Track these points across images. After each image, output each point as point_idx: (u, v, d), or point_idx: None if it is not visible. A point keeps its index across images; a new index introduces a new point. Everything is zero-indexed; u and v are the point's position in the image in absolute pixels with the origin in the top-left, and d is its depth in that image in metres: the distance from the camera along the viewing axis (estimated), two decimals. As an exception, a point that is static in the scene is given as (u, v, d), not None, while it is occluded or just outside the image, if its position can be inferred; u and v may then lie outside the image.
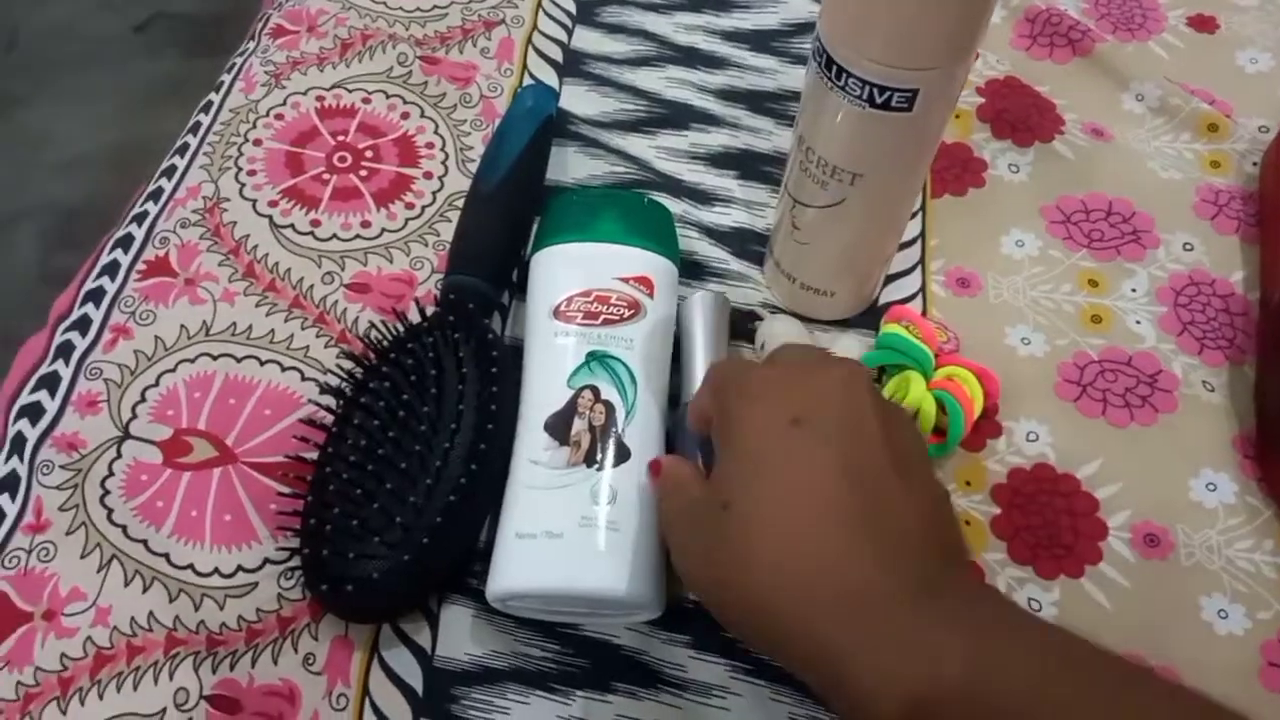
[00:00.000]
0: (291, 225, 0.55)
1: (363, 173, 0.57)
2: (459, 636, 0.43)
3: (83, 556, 0.44)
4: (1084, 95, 0.61)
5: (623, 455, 0.43)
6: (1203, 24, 0.64)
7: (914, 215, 0.56)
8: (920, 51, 0.38)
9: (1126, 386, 0.50)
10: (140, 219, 0.55)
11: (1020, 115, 0.60)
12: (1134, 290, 0.53)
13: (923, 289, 0.53)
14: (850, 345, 0.51)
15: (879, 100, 0.40)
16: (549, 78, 0.61)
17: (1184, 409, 0.49)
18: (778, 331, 0.50)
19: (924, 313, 0.52)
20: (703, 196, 0.57)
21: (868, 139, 0.42)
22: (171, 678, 0.42)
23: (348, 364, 0.46)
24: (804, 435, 0.35)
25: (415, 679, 0.42)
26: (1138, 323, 0.52)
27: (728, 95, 0.61)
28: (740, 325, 0.52)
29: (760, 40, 0.64)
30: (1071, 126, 0.59)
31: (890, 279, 0.53)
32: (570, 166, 0.57)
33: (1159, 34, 0.64)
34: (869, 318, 0.52)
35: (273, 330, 0.51)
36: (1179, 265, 0.54)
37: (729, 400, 0.38)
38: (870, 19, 0.38)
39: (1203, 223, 0.56)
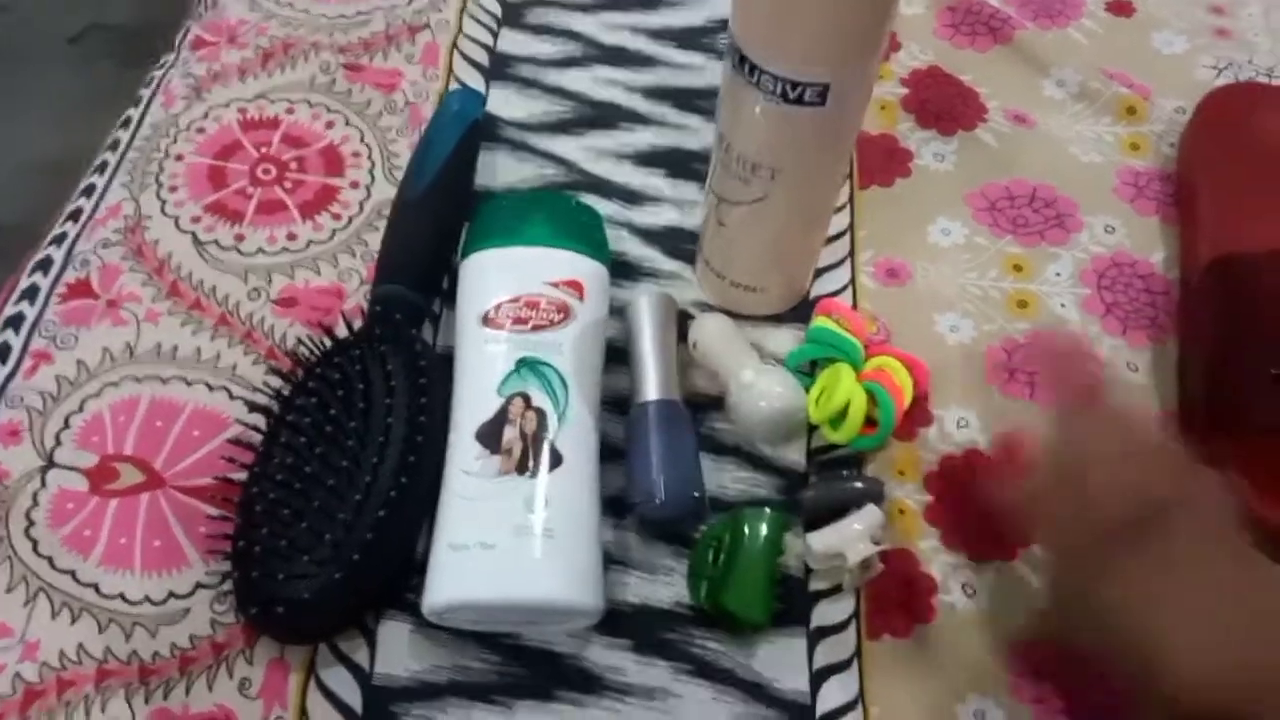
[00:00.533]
0: (215, 241, 0.54)
1: (287, 185, 0.56)
2: (397, 652, 0.43)
3: (8, 590, 0.43)
4: (1006, 83, 0.61)
5: (556, 461, 0.43)
6: (1120, 8, 0.65)
7: (842, 208, 0.56)
8: (831, 47, 0.39)
9: (1054, 370, 0.51)
10: (59, 240, 0.54)
11: (944, 105, 0.60)
12: (1058, 274, 0.54)
13: (852, 281, 0.54)
14: (782, 339, 0.51)
15: (792, 96, 0.40)
16: (475, 82, 0.61)
17: (1109, 389, 0.50)
18: (709, 329, 0.50)
19: (854, 305, 0.53)
20: (632, 196, 0.57)
21: (784, 134, 0.42)
22: (104, 710, 0.41)
23: (275, 381, 0.46)
24: None
25: (354, 698, 0.42)
26: (1062, 306, 0.53)
27: (655, 93, 0.61)
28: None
29: (687, 37, 0.64)
30: (994, 114, 0.60)
31: (820, 272, 0.54)
32: (499, 171, 0.57)
33: (1078, 20, 0.65)
34: (801, 312, 0.53)
35: (199, 349, 0.50)
36: (1101, 248, 0.55)
37: None
38: (781, 17, 0.39)
39: (1124, 205, 0.56)
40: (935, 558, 0.46)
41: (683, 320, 0.51)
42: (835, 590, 0.45)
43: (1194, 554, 0.31)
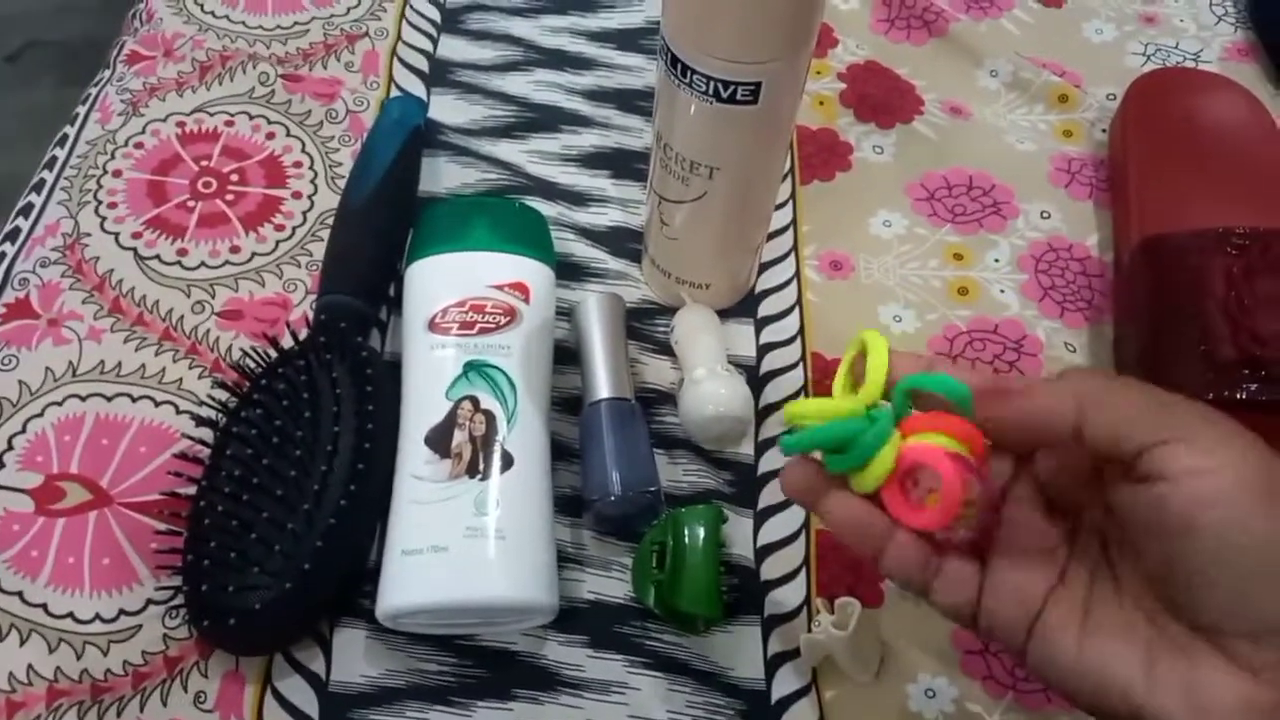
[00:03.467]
0: (157, 256, 0.53)
1: (229, 197, 0.56)
2: (353, 659, 0.43)
3: (-45, 615, 0.43)
4: (942, 75, 0.63)
5: (507, 463, 0.43)
6: (1050, -1, 0.67)
7: (784, 203, 0.57)
8: (759, 45, 0.39)
9: (994, 354, 0.52)
10: (-3, 261, 0.53)
11: (882, 98, 0.61)
12: (997, 260, 0.55)
13: (797, 274, 0.55)
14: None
15: (724, 95, 0.40)
16: (416, 88, 0.61)
17: (1049, 370, 0.51)
18: (684, 321, 0.50)
19: (799, 299, 0.54)
20: (577, 198, 0.57)
21: (719, 133, 0.43)
22: (56, 730, 0.41)
23: (221, 394, 0.46)
24: None
25: (311, 706, 0.42)
26: (1002, 291, 0.54)
27: (596, 95, 0.61)
28: (635, 324, 0.52)
29: (627, 39, 0.64)
30: (931, 106, 0.61)
31: (765, 266, 0.55)
32: (442, 176, 0.57)
33: (1010, 10, 0.66)
34: (746, 307, 0.53)
35: (143, 365, 0.50)
36: (1038, 233, 0.56)
37: None
38: (709, 17, 0.39)
39: (1058, 191, 0.58)
40: (884, 542, 0.46)
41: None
42: (787, 579, 0.46)
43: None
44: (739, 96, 0.40)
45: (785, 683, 0.43)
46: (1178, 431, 0.28)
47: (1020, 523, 0.32)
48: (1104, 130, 0.60)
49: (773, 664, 0.44)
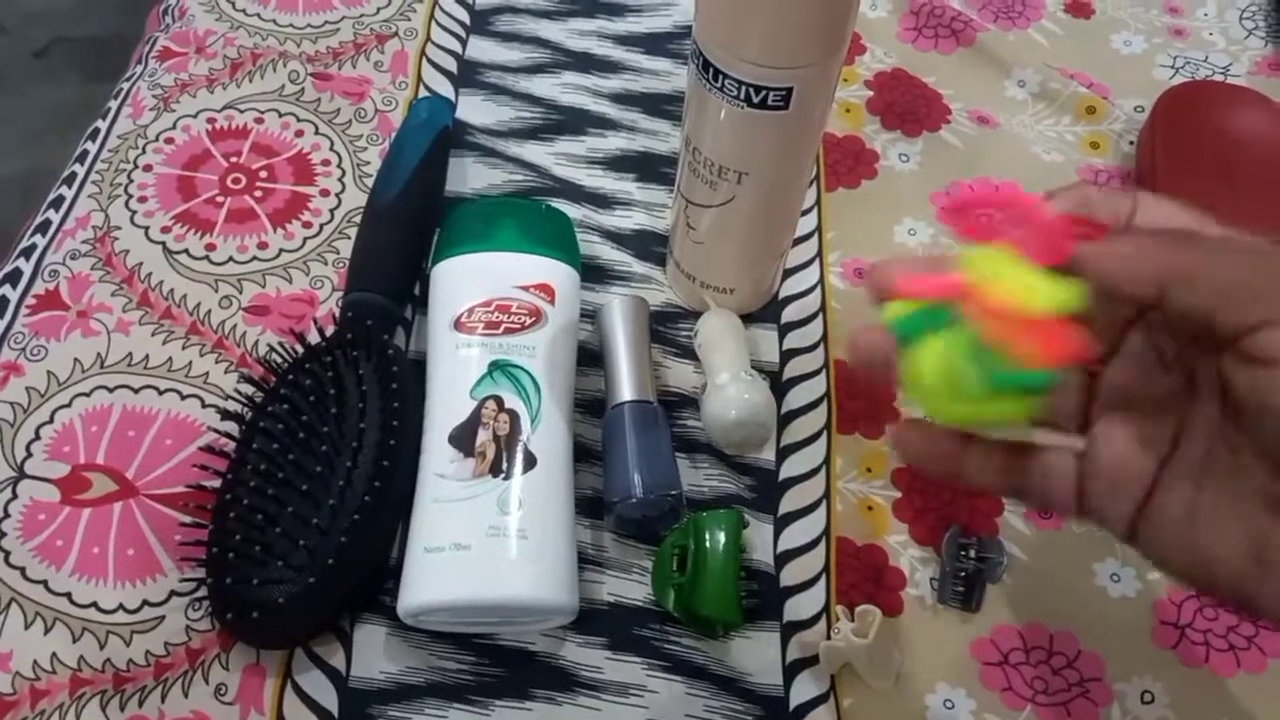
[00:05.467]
0: (186, 251, 0.54)
1: (258, 193, 0.56)
2: (373, 655, 0.43)
3: (-20, 602, 0.43)
4: (969, 84, 0.63)
5: (530, 463, 0.43)
6: (1079, 10, 0.66)
7: (810, 210, 0.57)
8: (792, 50, 0.39)
9: (1018, 365, 0.51)
10: (28, 253, 0.54)
11: (909, 106, 0.61)
12: (1022, 271, 0.55)
13: (821, 281, 0.55)
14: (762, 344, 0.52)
15: (756, 100, 0.41)
16: (444, 89, 0.61)
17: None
18: (709, 324, 0.50)
19: (823, 305, 0.54)
20: (602, 201, 0.57)
21: (749, 138, 0.43)
22: (79, 719, 0.41)
23: (248, 389, 0.46)
24: None
25: (330, 701, 0.42)
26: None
27: (623, 99, 0.62)
28: (659, 328, 0.52)
29: (654, 43, 0.64)
30: (958, 115, 0.61)
31: (789, 273, 0.55)
32: (469, 177, 0.57)
33: (1038, 21, 0.66)
34: (770, 312, 0.53)
35: (170, 358, 0.50)
36: (1064, 244, 0.56)
37: None
38: (742, 21, 0.39)
39: (1085, 202, 0.57)
40: (904, 552, 0.46)
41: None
42: (806, 585, 0.46)
43: None
44: (770, 101, 0.40)
45: (803, 689, 0.43)
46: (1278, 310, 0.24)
47: (1129, 379, 0.29)
48: (1131, 142, 0.60)
49: (791, 670, 0.44)
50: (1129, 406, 0.29)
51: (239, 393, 0.46)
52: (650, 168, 0.59)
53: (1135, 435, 0.29)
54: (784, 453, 0.49)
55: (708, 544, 0.43)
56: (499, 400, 0.44)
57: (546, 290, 0.48)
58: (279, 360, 0.46)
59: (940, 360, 0.28)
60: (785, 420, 0.50)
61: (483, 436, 0.44)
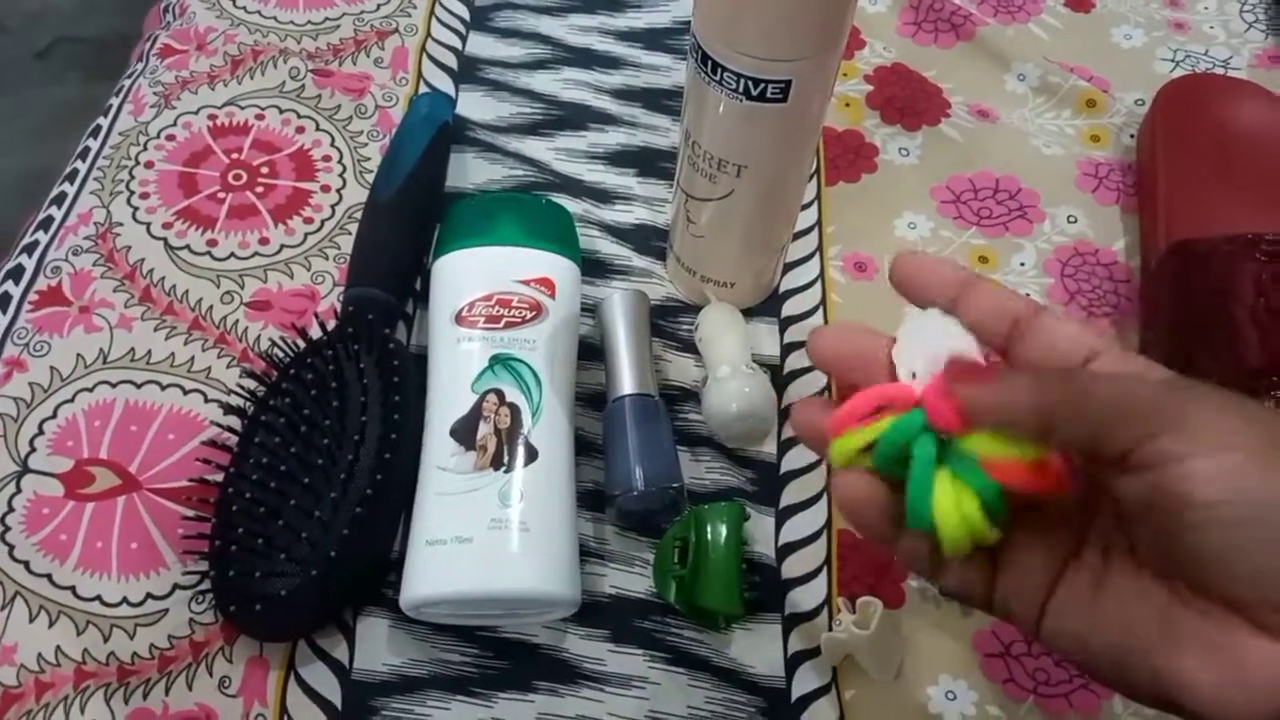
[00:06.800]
0: (187, 246, 0.54)
1: (259, 189, 0.56)
2: (376, 647, 0.43)
3: (-16, 596, 0.43)
4: (969, 78, 0.63)
5: (531, 456, 0.44)
6: (1079, 3, 0.66)
7: (810, 204, 0.57)
8: (790, 43, 0.39)
9: (1019, 357, 0.52)
10: (30, 249, 0.54)
11: (908, 100, 0.61)
12: (1022, 264, 0.55)
13: (821, 275, 0.55)
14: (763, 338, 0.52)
15: (754, 93, 0.41)
16: (445, 85, 0.61)
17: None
18: (710, 318, 0.50)
19: (823, 299, 0.54)
20: (603, 195, 0.57)
21: (748, 131, 0.43)
22: (83, 711, 0.41)
23: (250, 383, 0.46)
24: None
25: (334, 694, 0.42)
26: (1027, 295, 0.54)
27: (624, 94, 0.62)
28: (660, 322, 0.52)
29: (654, 39, 0.64)
30: (958, 109, 0.61)
31: (790, 266, 0.55)
32: (469, 172, 0.57)
33: (1038, 15, 0.66)
34: (770, 306, 0.53)
35: (173, 354, 0.50)
36: (1064, 237, 0.56)
37: None
38: (740, 14, 0.39)
39: (1085, 195, 0.58)
40: (906, 543, 0.46)
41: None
42: (808, 578, 0.46)
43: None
44: (769, 94, 0.41)
45: (805, 681, 0.43)
46: (1163, 425, 0.25)
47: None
48: (1132, 135, 0.60)
49: (793, 662, 0.44)
50: (1038, 510, 0.30)
51: (241, 387, 0.46)
52: (650, 162, 0.59)
53: (1041, 542, 0.30)
54: (785, 446, 0.49)
55: (709, 536, 0.43)
56: (500, 394, 0.45)
57: (547, 284, 0.48)
58: (281, 355, 0.46)
59: (955, 495, 0.28)
60: (786, 414, 0.50)
61: (484, 430, 0.44)
